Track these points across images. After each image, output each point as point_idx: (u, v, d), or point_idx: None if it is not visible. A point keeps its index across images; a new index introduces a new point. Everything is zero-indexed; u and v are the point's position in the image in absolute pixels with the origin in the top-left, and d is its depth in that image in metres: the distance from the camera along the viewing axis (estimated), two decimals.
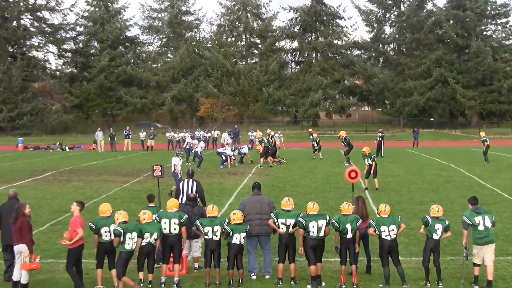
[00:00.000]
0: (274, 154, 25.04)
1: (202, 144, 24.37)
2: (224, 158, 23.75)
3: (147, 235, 8.12)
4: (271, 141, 26.63)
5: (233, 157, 24.39)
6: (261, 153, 23.95)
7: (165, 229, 8.39)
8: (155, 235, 8.21)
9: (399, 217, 8.41)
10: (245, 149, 25.50)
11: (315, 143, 26.79)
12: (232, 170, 22.70)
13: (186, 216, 8.53)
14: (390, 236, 8.18)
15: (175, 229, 8.40)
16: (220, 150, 24.13)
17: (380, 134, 28.98)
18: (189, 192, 10.32)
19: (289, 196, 13.73)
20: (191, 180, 10.55)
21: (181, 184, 10.55)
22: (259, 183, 9.23)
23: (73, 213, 8.34)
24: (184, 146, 25.35)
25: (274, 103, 59.14)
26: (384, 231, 8.18)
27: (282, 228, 8.43)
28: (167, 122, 58.30)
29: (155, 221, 8.46)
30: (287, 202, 8.51)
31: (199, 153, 23.47)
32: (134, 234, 8.02)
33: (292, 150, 35.07)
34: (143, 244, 8.11)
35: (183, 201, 9.93)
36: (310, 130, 30.44)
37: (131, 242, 8.00)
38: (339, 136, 24.86)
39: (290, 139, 46.60)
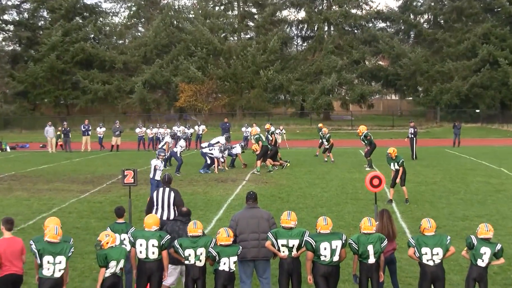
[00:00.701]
0: (275, 156, 25.18)
1: (182, 142, 24.30)
2: (209, 160, 23.86)
3: (112, 263, 8.08)
4: (270, 139, 26.62)
5: (221, 160, 24.44)
6: (258, 154, 24.09)
7: (140, 252, 8.45)
8: (121, 263, 8.20)
9: (448, 237, 8.38)
10: (237, 149, 25.59)
11: (324, 140, 27.14)
12: (220, 176, 22.73)
13: (168, 236, 8.56)
14: (434, 261, 8.17)
15: (153, 253, 8.44)
16: (205, 149, 24.13)
17: (411, 130, 29.08)
18: (165, 203, 10.50)
19: (294, 209, 13.99)
20: (167, 189, 10.70)
21: (154, 194, 10.71)
22: (255, 193, 9.33)
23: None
24: (160, 146, 25.35)
25: (275, 90, 59.31)
26: (426, 254, 8.18)
27: (283, 252, 8.48)
28: (137, 115, 58.49)
29: (130, 239, 8.54)
30: (288, 217, 8.53)
31: (178, 155, 23.62)
32: (60, 258, 7.92)
33: (298, 150, 35.18)
34: (106, 275, 8.09)
35: (161, 216, 10.10)
36: (320, 125, 30.28)
37: (52, 267, 7.92)
38: (358, 132, 24.98)
39: (295, 136, 46.79)
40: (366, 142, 24.40)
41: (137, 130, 36.71)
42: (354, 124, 52.61)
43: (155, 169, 16.49)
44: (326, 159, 27.23)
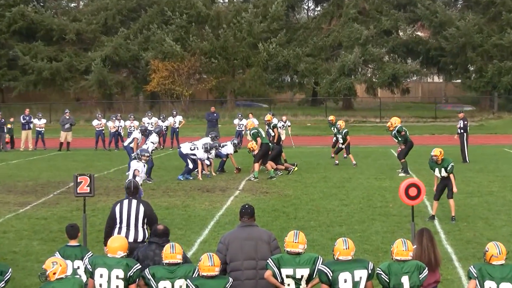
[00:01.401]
0: (278, 157, 25.34)
1: (154, 137, 24.23)
2: (190, 164, 24.06)
3: None
4: (272, 134, 27.06)
5: (207, 162, 24.59)
6: (255, 154, 24.25)
7: (100, 285, 8.52)
8: None
9: None
10: (228, 148, 25.82)
11: (340, 136, 27.44)
12: (206, 184, 22.89)
13: (138, 266, 8.67)
14: None
15: (117, 286, 8.52)
16: (185, 149, 24.24)
17: (460, 123, 29.12)
18: (131, 221, 10.70)
19: (304, 228, 14.30)
20: (134, 202, 10.93)
21: (116, 208, 10.92)
22: (251, 206, 9.48)
23: None
24: (127, 143, 25.64)
25: (279, 69, 59.37)
26: None
27: (288, 284, 8.55)
28: (94, 102, 58.69)
29: (87, 268, 8.62)
30: (295, 239, 8.64)
31: (150, 149, 22.86)
32: None
33: (308, 149, 35.36)
34: None
35: (126, 237, 10.12)
36: (332, 118, 30.74)
37: None
38: (388, 126, 25.11)
39: (305, 130, 46.93)
40: (399, 139, 24.53)
41: (95, 122, 36.86)
42: (383, 116, 52.97)
43: (134, 176, 16.84)
44: (337, 161, 27.60)
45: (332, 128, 28.98)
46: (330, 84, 57.03)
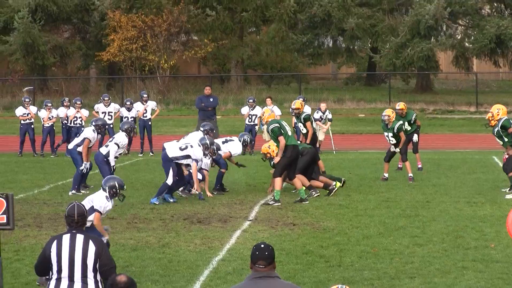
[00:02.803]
0: (313, 167, 23.67)
1: (120, 138, 22.80)
2: (171, 178, 22.32)
3: None
4: (303, 131, 25.24)
5: (205, 169, 23.23)
6: (276, 163, 22.23)
7: None
8: None
9: None
10: (233, 146, 24.09)
11: (389, 134, 25.80)
12: (197, 210, 21.26)
13: None
14: None
15: None
16: (173, 151, 22.47)
17: None
18: (76, 266, 10.06)
19: (353, 282, 13.91)
20: (80, 239, 10.27)
21: (53, 247, 10.11)
22: (270, 246, 8.57)
23: None
24: (72, 146, 23.74)
25: (314, 27, 54.85)
26: None
27: None
28: (18, 79, 54.64)
29: None
30: None
31: (111, 159, 22.72)
32: None
33: (361, 155, 34.22)
34: None
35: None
36: (402, 107, 28.61)
37: None
38: (488, 119, 23.40)
39: (355, 125, 44.47)
40: (506, 139, 22.86)
41: (19, 111, 33.73)
42: (482, 102, 48.64)
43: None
44: (386, 174, 26.02)
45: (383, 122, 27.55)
46: (396, 52, 52.30)
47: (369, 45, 55.51)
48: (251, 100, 34.42)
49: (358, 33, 53.35)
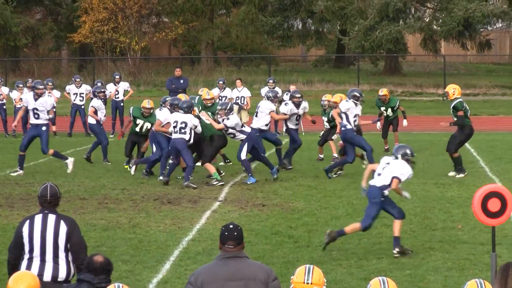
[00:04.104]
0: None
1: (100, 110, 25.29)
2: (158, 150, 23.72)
3: None
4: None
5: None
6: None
7: None
8: None
9: None
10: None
11: (325, 119, 27.20)
12: (167, 191, 22.26)
13: None
14: None
15: None
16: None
17: None
18: (47, 247, 10.32)
19: (322, 262, 14.38)
20: (51, 219, 10.40)
21: (24, 227, 10.43)
22: (239, 227, 9.01)
23: None
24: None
25: (284, 9, 56.87)
26: None
27: None
28: None
29: None
30: (307, 279, 8.59)
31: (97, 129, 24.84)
32: None
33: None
34: None
35: (40, 272, 10.18)
36: (384, 93, 29.76)
37: None
38: (446, 93, 24.47)
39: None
40: (456, 119, 23.95)
41: None
42: (450, 84, 51.31)
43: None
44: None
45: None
46: (365, 34, 54.09)
47: (338, 27, 57.65)
48: (221, 82, 35.23)
49: (327, 16, 55.32)
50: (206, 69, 56.26)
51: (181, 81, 35.55)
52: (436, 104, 45.42)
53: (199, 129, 23.75)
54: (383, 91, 29.93)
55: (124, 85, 35.58)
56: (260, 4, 56.02)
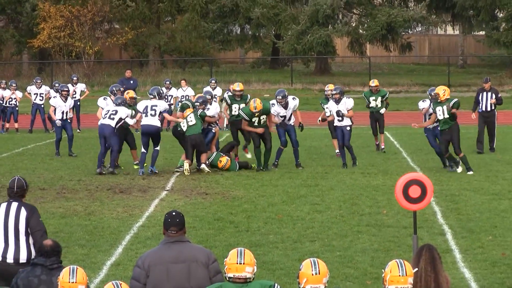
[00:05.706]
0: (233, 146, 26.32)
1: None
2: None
3: None
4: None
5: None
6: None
7: None
8: None
9: None
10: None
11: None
12: (118, 181, 23.45)
13: None
14: None
15: None
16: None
17: (487, 95, 29.14)
18: (9, 232, 11.10)
19: (259, 245, 15.50)
20: (14, 206, 11.17)
21: None
22: (181, 214, 9.71)
23: None
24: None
25: (223, 16, 60.05)
26: None
27: None
28: None
29: None
30: (240, 259, 8.78)
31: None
32: None
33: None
34: None
35: (3, 256, 10.88)
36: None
37: None
38: (437, 95, 24.39)
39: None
40: (448, 116, 24.05)
41: None
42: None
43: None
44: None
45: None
46: (297, 38, 57.34)
47: (273, 32, 61.07)
48: (167, 82, 38.19)
49: (263, 22, 58.99)
50: (153, 70, 59.05)
51: (131, 82, 38.15)
52: (362, 101, 45.07)
53: (129, 120, 24.77)
54: (374, 82, 31.04)
55: (81, 86, 38.11)
56: (202, 12, 59.03)
